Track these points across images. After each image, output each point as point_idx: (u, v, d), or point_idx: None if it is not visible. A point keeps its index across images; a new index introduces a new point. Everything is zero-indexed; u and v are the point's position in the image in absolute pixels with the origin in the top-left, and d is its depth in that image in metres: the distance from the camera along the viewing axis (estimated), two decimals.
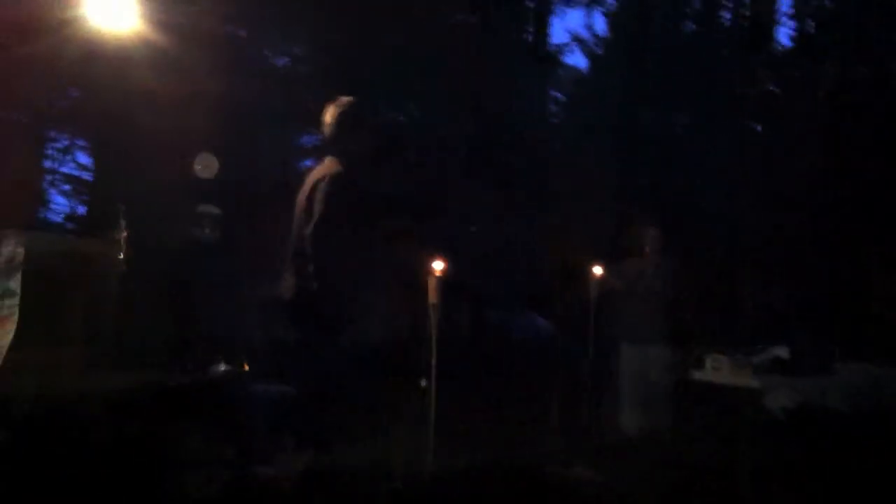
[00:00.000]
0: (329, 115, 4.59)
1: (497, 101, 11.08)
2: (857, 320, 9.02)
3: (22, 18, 5.28)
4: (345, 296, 4.35)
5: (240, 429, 5.05)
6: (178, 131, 6.61)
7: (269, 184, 4.60)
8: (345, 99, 4.60)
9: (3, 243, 5.17)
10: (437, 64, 10.23)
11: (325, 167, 4.53)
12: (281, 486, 4.45)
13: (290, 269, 4.50)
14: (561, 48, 14.33)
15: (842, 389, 5.25)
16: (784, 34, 15.06)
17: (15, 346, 5.09)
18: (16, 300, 5.27)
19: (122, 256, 5.54)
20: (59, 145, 8.88)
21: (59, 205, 10.02)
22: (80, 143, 9.03)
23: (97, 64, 5.86)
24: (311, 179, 4.52)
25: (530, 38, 13.99)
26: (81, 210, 9.70)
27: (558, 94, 14.80)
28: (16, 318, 5.32)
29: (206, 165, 6.17)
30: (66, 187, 9.56)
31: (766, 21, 14.06)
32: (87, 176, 9.37)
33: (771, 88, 13.34)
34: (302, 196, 4.52)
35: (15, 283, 5.35)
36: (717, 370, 5.60)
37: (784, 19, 14.29)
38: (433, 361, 5.21)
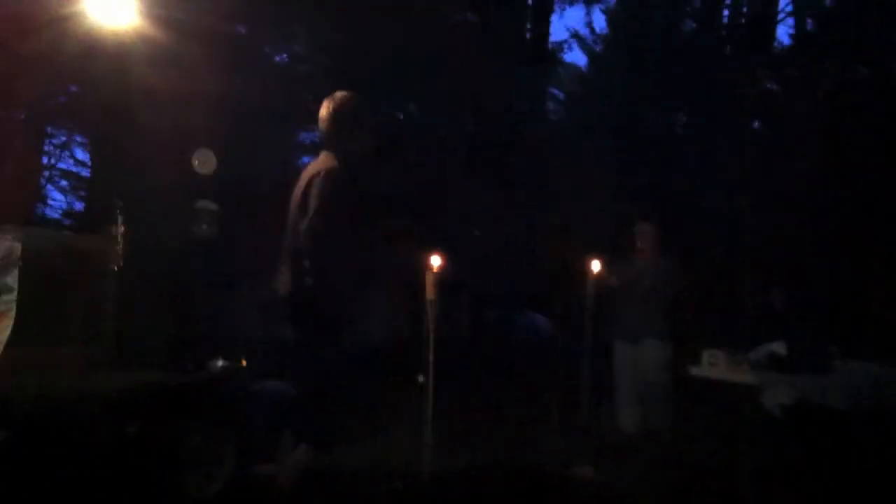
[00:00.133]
0: (325, 109, 4.56)
1: (496, 100, 11.05)
2: (857, 320, 8.99)
3: (21, 14, 5.24)
4: (341, 292, 4.32)
5: (238, 427, 5.01)
6: (176, 127, 6.58)
7: (268, 181, 4.56)
8: (340, 94, 4.56)
9: (0, 239, 5.14)
10: (436, 62, 10.20)
11: (321, 162, 4.50)
12: (280, 483, 4.41)
13: (286, 266, 4.47)
14: (560, 45, 14.30)
15: (841, 387, 5.21)
16: (785, 32, 15.05)
17: (12, 343, 5.07)
18: (13, 296, 5.23)
19: (119, 253, 5.52)
20: (57, 141, 8.86)
21: (57, 201, 10.03)
22: (79, 139, 9.03)
23: (95, 60, 5.82)
24: (306, 175, 4.49)
25: (529, 36, 13.96)
26: (79, 206, 9.69)
27: (557, 92, 14.76)
28: (13, 314, 5.27)
29: (203, 161, 6.12)
30: (64, 183, 9.56)
31: (766, 19, 14.03)
32: (84, 172, 9.36)
33: (770, 87, 13.30)
34: (297, 191, 4.48)
35: (12, 280, 5.32)
36: (713, 366, 5.56)
37: (784, 16, 14.28)
38: (431, 358, 5.16)
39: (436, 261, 5.22)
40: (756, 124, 13.93)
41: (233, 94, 7.60)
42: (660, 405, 6.51)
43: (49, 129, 8.23)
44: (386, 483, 4.87)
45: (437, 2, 10.85)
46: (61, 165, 9.48)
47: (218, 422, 4.91)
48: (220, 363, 5.33)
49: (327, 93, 4.63)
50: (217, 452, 4.77)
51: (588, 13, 14.67)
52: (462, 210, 9.66)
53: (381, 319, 6.22)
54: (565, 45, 14.42)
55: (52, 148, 8.69)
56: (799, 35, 13.70)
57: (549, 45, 14.13)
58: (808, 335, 5.85)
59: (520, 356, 8.71)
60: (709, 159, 11.93)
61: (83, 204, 9.55)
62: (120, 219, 5.54)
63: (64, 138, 8.88)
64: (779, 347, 5.71)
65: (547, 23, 14.11)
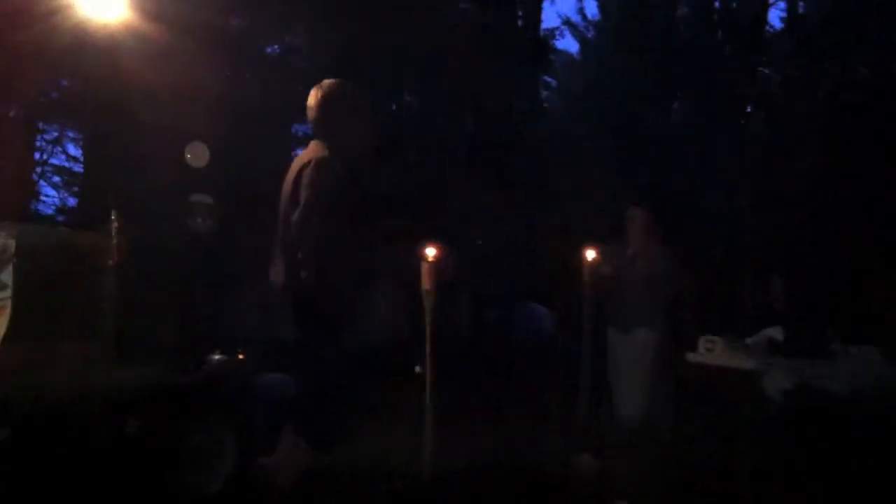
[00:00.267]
0: (313, 98, 4.49)
1: (490, 91, 11.01)
2: (857, 320, 8.94)
3: (13, 9, 5.20)
4: (336, 285, 4.25)
5: (238, 423, 4.98)
6: (171, 123, 6.53)
7: (265, 176, 4.51)
8: (328, 81, 4.49)
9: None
10: (430, 55, 10.15)
11: (311, 152, 4.43)
12: (280, 483, 4.36)
13: (280, 258, 4.41)
14: (552, 33, 14.20)
15: (840, 372, 5.15)
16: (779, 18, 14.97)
17: (9, 340, 5.03)
18: (7, 293, 5.19)
19: (115, 249, 5.47)
20: (50, 136, 8.82)
21: (51, 197, 9.98)
22: (72, 134, 8.98)
23: (88, 54, 5.79)
24: (296, 165, 4.42)
25: (521, 24, 13.84)
26: (74, 202, 9.65)
27: (550, 80, 14.68)
28: (8, 311, 5.24)
29: (196, 154, 6.07)
30: (57, 179, 9.51)
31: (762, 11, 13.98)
32: (78, 168, 9.32)
33: (771, 76, 13.26)
34: (288, 182, 4.41)
35: (6, 276, 5.27)
36: (710, 351, 5.50)
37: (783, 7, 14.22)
38: (428, 349, 5.11)
39: (431, 251, 5.18)
40: (758, 116, 13.86)
41: (228, 89, 7.55)
42: (655, 395, 6.43)
43: (42, 125, 8.17)
44: (386, 482, 4.83)
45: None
46: (55, 161, 9.48)
47: (217, 418, 4.87)
48: (217, 357, 5.30)
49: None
50: (217, 449, 4.74)
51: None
52: (461, 206, 9.61)
53: (378, 314, 6.16)
54: (557, 33, 14.34)
55: (45, 143, 8.66)
56: (799, 35, 13.65)
57: (542, 34, 14.03)
58: (806, 320, 5.81)
59: (521, 348, 8.66)
60: (707, 151, 11.89)
61: (78, 200, 9.52)
62: (115, 214, 5.52)
63: (57, 134, 8.85)
64: (777, 332, 5.67)
65: (538, 10, 14.00)
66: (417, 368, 5.32)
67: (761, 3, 14.06)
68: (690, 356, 5.64)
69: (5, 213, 5.22)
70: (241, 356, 5.42)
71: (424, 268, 5.16)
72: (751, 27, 13.86)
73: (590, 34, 14.21)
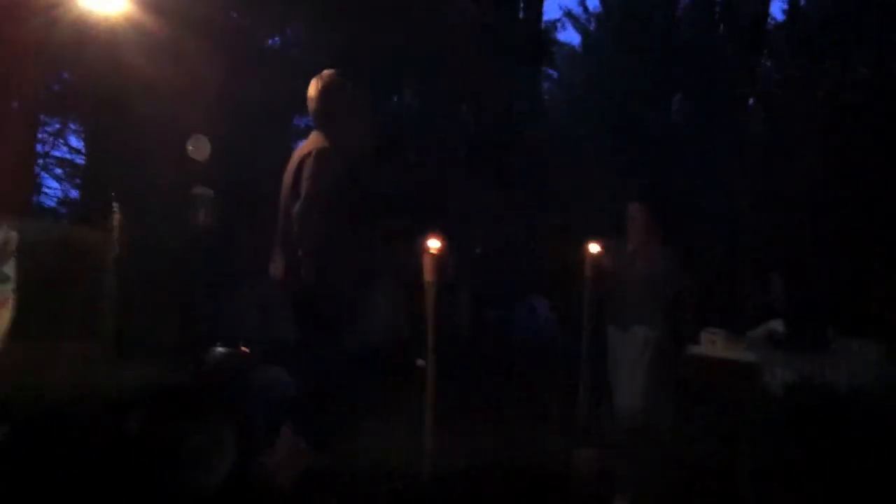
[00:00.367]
0: (313, 88, 4.46)
1: (493, 89, 11.00)
2: (857, 317, 8.93)
3: (12, 1, 5.18)
4: (337, 279, 4.22)
5: (239, 420, 4.96)
6: (170, 116, 6.51)
7: (265, 170, 4.49)
8: (328, 72, 4.46)
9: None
10: (430, 52, 10.12)
11: (311, 143, 4.40)
12: (280, 483, 4.34)
13: (279, 253, 4.38)
14: (554, 25, 14.13)
15: (838, 365, 5.17)
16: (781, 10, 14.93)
17: (11, 336, 5.01)
18: (10, 286, 5.17)
19: (117, 243, 5.45)
20: (51, 129, 8.78)
21: (53, 189, 9.94)
22: (74, 126, 8.95)
23: (89, 47, 5.77)
24: (297, 156, 4.39)
25: (522, 16, 13.79)
26: (75, 195, 9.62)
27: (551, 71, 14.63)
28: (11, 304, 5.22)
29: (197, 147, 6.06)
30: (59, 172, 9.47)
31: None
32: (80, 160, 9.27)
33: (771, 85, 13.27)
34: (288, 174, 4.38)
35: (8, 269, 5.26)
36: (712, 344, 5.50)
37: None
38: (430, 342, 5.10)
39: (434, 243, 5.16)
40: (756, 118, 13.85)
41: (228, 84, 7.53)
42: (655, 394, 6.40)
43: (44, 117, 8.14)
44: (386, 481, 4.82)
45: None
46: (56, 154, 9.45)
47: (218, 416, 4.86)
48: (220, 349, 5.28)
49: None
50: (217, 447, 4.72)
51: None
52: (462, 205, 9.59)
53: (378, 311, 6.13)
54: (558, 24, 14.28)
55: (47, 136, 8.63)
56: (799, 34, 13.62)
57: (543, 26, 13.97)
58: (809, 315, 5.81)
59: (522, 346, 8.65)
60: (707, 150, 11.88)
61: (79, 192, 9.49)
62: (116, 209, 5.50)
63: (59, 126, 8.81)
64: (777, 325, 5.66)
65: (540, 4, 13.93)
66: (420, 362, 5.30)
67: (761, 2, 14.06)
68: (693, 349, 5.64)
69: (7, 206, 5.18)
70: (243, 349, 5.40)
71: (427, 260, 5.15)
72: (751, 27, 13.86)
73: (591, 27, 14.17)
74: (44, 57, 5.33)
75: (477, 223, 10.08)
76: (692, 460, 5.57)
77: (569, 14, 14.37)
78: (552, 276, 8.21)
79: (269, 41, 10.17)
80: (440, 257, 5.16)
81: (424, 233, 5.30)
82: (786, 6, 14.19)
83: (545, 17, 14.13)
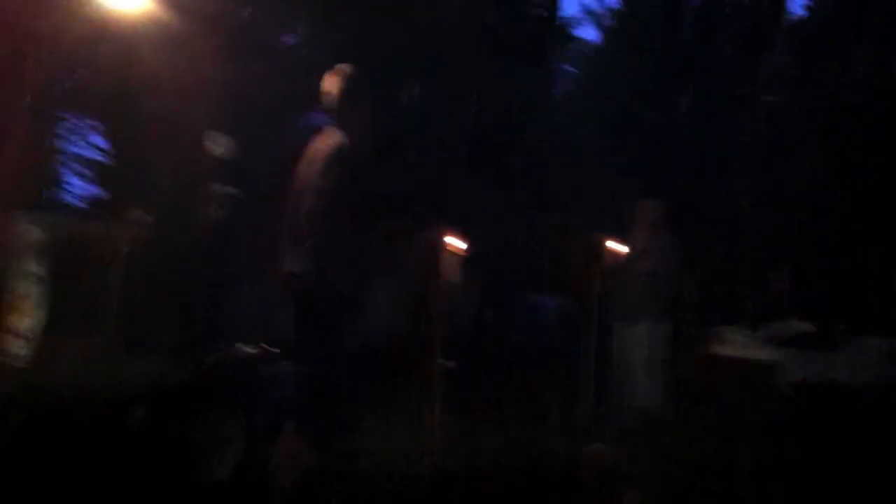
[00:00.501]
0: (329, 84, 4.43)
1: (504, 85, 10.99)
2: (864, 314, 8.95)
3: None
4: (347, 276, 4.20)
5: (250, 413, 4.96)
6: (184, 112, 6.50)
7: (283, 165, 4.48)
8: (343, 67, 4.44)
9: (18, 225, 5.08)
10: (439, 49, 10.10)
11: (326, 139, 4.37)
12: (281, 480, 4.33)
13: (289, 247, 4.34)
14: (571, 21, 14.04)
15: (848, 363, 5.18)
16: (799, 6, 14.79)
17: (37, 329, 5.03)
18: (33, 280, 5.19)
19: (136, 238, 5.46)
20: (70, 126, 8.76)
21: (74, 186, 9.90)
22: (94, 123, 8.92)
23: (107, 44, 5.78)
24: (311, 152, 4.35)
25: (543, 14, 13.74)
26: (96, 192, 9.60)
27: (570, 68, 14.56)
28: (34, 299, 5.24)
29: (217, 143, 6.04)
30: (80, 168, 9.44)
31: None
32: (100, 157, 9.25)
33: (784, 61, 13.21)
34: (302, 169, 4.35)
35: (32, 265, 5.28)
36: (725, 343, 5.51)
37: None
38: (438, 339, 5.11)
39: (455, 242, 5.17)
40: (777, 100, 13.73)
41: (242, 80, 7.51)
42: (659, 387, 6.43)
43: (62, 114, 8.14)
44: (395, 474, 4.82)
45: None
46: (76, 151, 9.42)
47: (228, 411, 4.87)
48: (238, 348, 5.28)
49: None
50: (225, 443, 4.73)
51: None
52: (471, 201, 9.59)
53: (384, 309, 6.15)
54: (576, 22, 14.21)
55: (66, 133, 8.62)
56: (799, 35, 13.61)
57: (560, 23, 13.89)
58: (816, 312, 5.83)
59: (529, 341, 8.63)
60: (716, 147, 11.86)
61: (99, 189, 9.48)
62: (136, 205, 5.52)
63: (78, 123, 8.79)
64: (788, 325, 5.68)
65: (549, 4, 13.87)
66: (446, 362, 5.29)
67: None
68: (705, 347, 5.66)
69: (28, 203, 5.20)
70: (262, 347, 5.41)
71: (444, 259, 5.16)
72: (752, 27, 13.82)
73: (609, 23, 14.14)
74: (57, 54, 5.32)
75: (486, 219, 10.07)
76: (703, 459, 5.57)
77: (588, 11, 14.29)
78: (560, 271, 8.19)
79: (281, 39, 10.14)
80: (453, 256, 5.17)
81: (425, 232, 5.30)
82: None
83: (565, 13, 14.08)
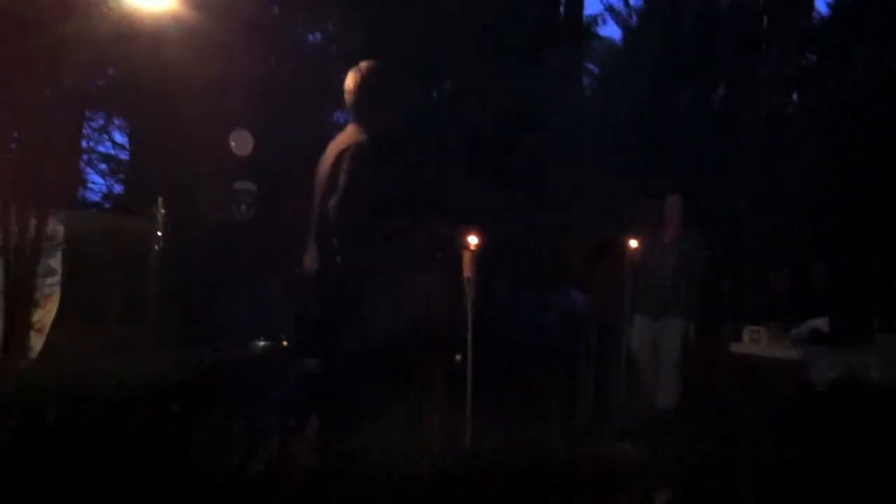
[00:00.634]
0: (351, 80, 4.37)
1: (495, 87, 10.92)
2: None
3: None
4: (371, 273, 4.18)
5: (274, 407, 4.95)
6: (213, 110, 6.46)
7: (307, 161, 4.44)
8: (366, 63, 4.38)
9: (44, 223, 5.04)
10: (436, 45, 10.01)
11: (349, 136, 4.31)
12: (295, 471, 4.32)
13: (312, 244, 4.31)
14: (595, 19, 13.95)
15: (883, 361, 5.13)
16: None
17: (58, 324, 4.99)
18: (57, 278, 5.16)
19: (160, 234, 5.44)
20: (96, 124, 8.70)
21: (97, 184, 9.85)
22: (118, 121, 8.87)
23: (132, 42, 5.73)
24: (334, 148, 4.29)
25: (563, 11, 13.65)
26: (119, 190, 9.55)
27: (592, 67, 14.49)
28: (57, 297, 5.20)
29: (240, 142, 6.01)
30: (104, 166, 9.39)
31: None
32: (124, 155, 9.21)
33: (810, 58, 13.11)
34: (324, 167, 4.30)
35: (55, 262, 5.25)
36: (755, 342, 5.48)
37: None
38: (469, 336, 5.07)
39: (473, 239, 5.13)
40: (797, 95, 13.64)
41: (270, 77, 7.46)
42: (673, 384, 6.41)
43: (88, 113, 8.08)
44: (420, 461, 4.79)
45: None
46: (101, 149, 9.37)
47: (257, 404, 4.85)
48: (261, 343, 5.27)
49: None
50: (254, 434, 4.71)
51: None
52: (494, 195, 9.53)
53: (412, 304, 6.12)
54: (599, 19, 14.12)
55: (91, 131, 8.55)
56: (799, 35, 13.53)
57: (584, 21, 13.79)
58: (849, 309, 5.80)
59: (555, 334, 8.61)
60: (742, 139, 11.77)
61: (123, 187, 9.42)
62: (160, 202, 5.49)
63: (103, 121, 8.73)
64: (820, 322, 5.64)
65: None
66: (458, 357, 5.27)
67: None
68: (735, 346, 5.63)
69: (53, 200, 5.15)
70: (284, 343, 5.39)
71: (466, 256, 5.13)
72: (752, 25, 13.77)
73: (633, 21, 14.06)
74: (88, 51, 5.29)
75: (499, 219, 10.00)
76: (729, 460, 5.53)
77: (610, 8, 14.21)
78: (585, 265, 8.14)
79: (310, 37, 10.04)
80: (472, 253, 5.15)
81: (443, 229, 5.29)
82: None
83: (586, 12, 14.00)
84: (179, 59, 5.96)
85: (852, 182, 10.61)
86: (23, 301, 4.82)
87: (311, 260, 4.27)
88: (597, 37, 13.97)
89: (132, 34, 5.54)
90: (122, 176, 9.15)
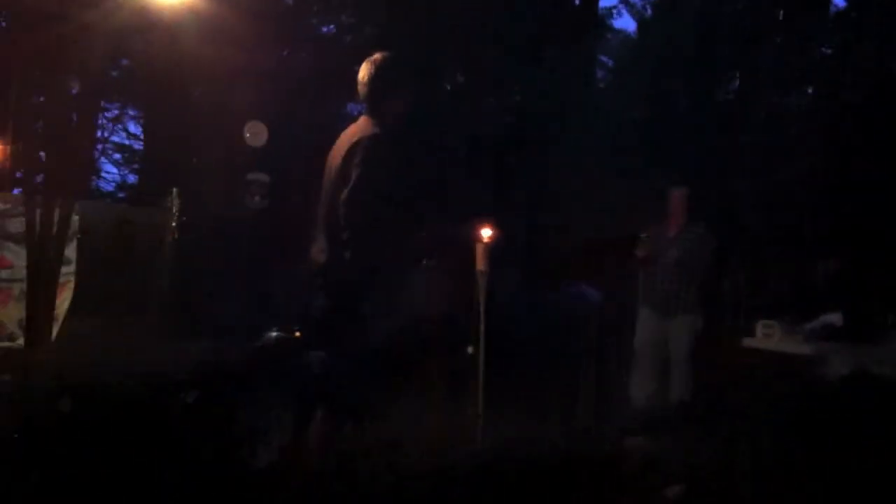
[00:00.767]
0: (364, 72, 4.30)
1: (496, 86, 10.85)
2: None
3: None
4: (380, 266, 4.12)
5: (289, 397, 4.89)
6: (226, 101, 6.40)
7: (319, 152, 4.37)
8: (380, 55, 4.31)
9: (68, 213, 4.97)
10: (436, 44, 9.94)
11: (360, 127, 4.23)
12: (318, 452, 4.25)
13: (321, 236, 4.23)
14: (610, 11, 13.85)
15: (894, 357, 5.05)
16: None
17: (74, 313, 4.93)
18: (72, 267, 5.10)
19: (174, 225, 5.38)
20: (111, 114, 8.64)
21: (111, 173, 9.78)
22: (132, 112, 8.82)
23: (146, 33, 5.66)
24: (345, 140, 4.21)
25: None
26: (133, 180, 9.50)
27: (606, 59, 14.41)
28: (72, 285, 5.14)
29: (255, 132, 5.94)
30: (118, 157, 9.34)
31: None
32: (138, 146, 9.15)
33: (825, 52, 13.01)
34: (335, 158, 4.23)
35: (70, 252, 5.17)
36: (768, 336, 5.39)
37: None
38: (482, 328, 5.01)
39: (486, 232, 5.07)
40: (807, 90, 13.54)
41: (283, 68, 7.39)
42: (682, 379, 6.34)
43: (103, 103, 8.01)
44: (432, 456, 4.73)
45: None
46: (115, 139, 9.30)
47: (273, 392, 4.80)
48: (274, 334, 5.21)
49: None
50: (272, 423, 4.66)
51: None
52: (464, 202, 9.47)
53: (421, 297, 6.07)
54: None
55: (105, 121, 8.49)
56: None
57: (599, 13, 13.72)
58: (863, 303, 5.73)
59: (563, 325, 8.55)
60: (756, 129, 11.69)
61: (137, 177, 9.36)
62: (174, 192, 5.43)
63: (117, 112, 8.67)
64: (834, 318, 5.56)
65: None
66: (469, 349, 5.21)
67: None
68: (748, 341, 5.55)
69: (69, 189, 5.08)
70: (297, 334, 5.34)
71: (479, 249, 5.07)
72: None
73: (648, 13, 13.96)
74: (104, 43, 5.21)
75: (509, 211, 9.93)
76: (738, 456, 5.47)
77: (624, 1, 14.10)
78: (596, 259, 8.08)
79: (324, 28, 9.97)
80: (485, 246, 5.09)
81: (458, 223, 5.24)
82: None
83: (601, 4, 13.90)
84: (194, 50, 5.89)
85: (870, 175, 10.50)
86: (46, 291, 4.75)
87: (319, 251, 4.20)
88: (611, 29, 13.90)
89: (148, 25, 5.48)
90: (136, 166, 9.10)
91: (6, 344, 5.17)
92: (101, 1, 5.15)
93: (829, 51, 12.87)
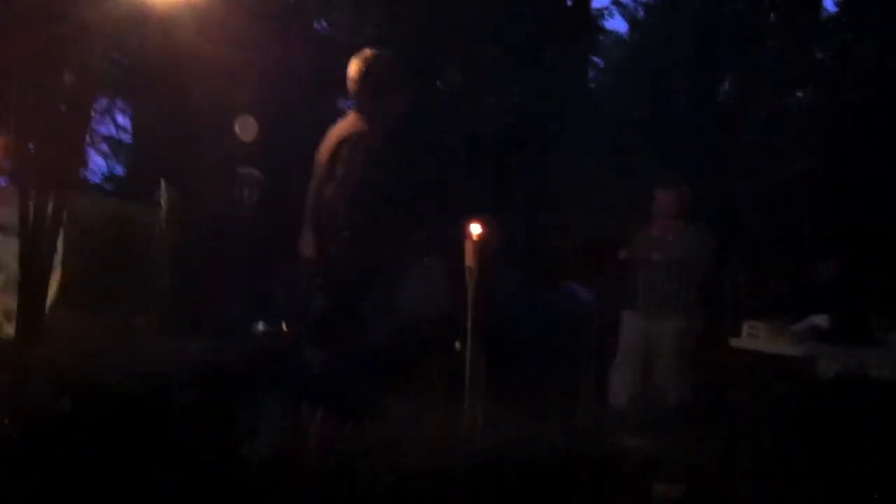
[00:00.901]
0: (354, 68, 4.20)
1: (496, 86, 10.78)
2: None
3: None
4: (368, 262, 4.04)
5: (285, 393, 4.83)
6: (217, 95, 6.34)
7: (312, 149, 4.31)
8: (370, 51, 4.21)
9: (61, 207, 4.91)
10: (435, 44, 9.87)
11: (351, 125, 4.15)
12: (314, 451, 4.19)
13: (309, 231, 4.15)
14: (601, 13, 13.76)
15: (884, 358, 4.96)
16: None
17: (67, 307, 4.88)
18: (57, 257, 5.01)
19: (165, 220, 5.33)
20: (98, 106, 8.54)
21: (99, 166, 9.72)
22: (124, 106, 8.75)
23: (138, 26, 5.60)
24: (334, 136, 4.13)
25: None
26: (121, 171, 9.44)
27: (598, 60, 14.32)
28: (58, 273, 5.08)
29: (245, 127, 5.89)
30: (105, 149, 9.26)
31: None
32: (126, 138, 9.08)
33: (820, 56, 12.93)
34: (323, 154, 4.14)
35: (57, 241, 5.10)
36: (753, 337, 5.31)
37: None
38: (470, 325, 4.93)
39: (476, 228, 4.99)
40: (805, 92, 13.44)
41: (276, 64, 7.31)
42: (676, 385, 6.25)
43: (96, 97, 7.95)
44: (426, 458, 4.65)
45: None
46: (103, 130, 9.24)
47: (268, 389, 4.74)
48: (261, 328, 5.16)
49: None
50: (267, 419, 4.60)
51: None
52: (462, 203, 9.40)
53: (410, 293, 6.00)
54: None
55: (94, 113, 8.39)
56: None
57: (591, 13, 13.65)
58: (851, 306, 5.66)
59: (562, 327, 8.50)
60: (756, 129, 11.61)
61: (125, 170, 9.30)
62: (164, 186, 5.38)
63: (106, 103, 8.59)
64: (821, 319, 5.49)
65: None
66: (457, 345, 5.14)
67: None
68: (734, 342, 5.48)
69: (58, 181, 5.02)
70: (286, 329, 5.28)
71: (468, 245, 4.99)
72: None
73: (640, 14, 13.88)
74: (99, 36, 5.14)
75: (509, 210, 9.86)
76: (731, 456, 5.40)
77: (616, 2, 14.01)
78: (588, 260, 8.01)
79: (318, 24, 9.90)
80: (475, 243, 5.01)
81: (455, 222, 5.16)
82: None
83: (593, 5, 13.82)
84: (187, 44, 5.82)
85: (870, 175, 10.41)
86: (38, 284, 4.70)
87: (307, 246, 4.11)
88: (604, 30, 13.80)
89: (140, 18, 5.43)
90: (124, 158, 9.03)
91: None
92: None
93: (829, 51, 12.76)
